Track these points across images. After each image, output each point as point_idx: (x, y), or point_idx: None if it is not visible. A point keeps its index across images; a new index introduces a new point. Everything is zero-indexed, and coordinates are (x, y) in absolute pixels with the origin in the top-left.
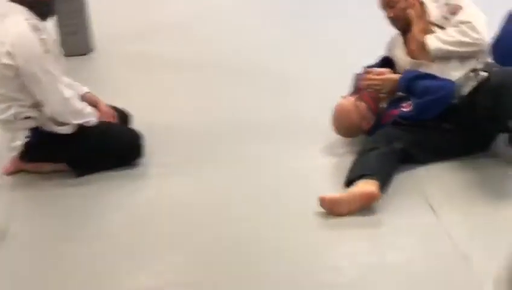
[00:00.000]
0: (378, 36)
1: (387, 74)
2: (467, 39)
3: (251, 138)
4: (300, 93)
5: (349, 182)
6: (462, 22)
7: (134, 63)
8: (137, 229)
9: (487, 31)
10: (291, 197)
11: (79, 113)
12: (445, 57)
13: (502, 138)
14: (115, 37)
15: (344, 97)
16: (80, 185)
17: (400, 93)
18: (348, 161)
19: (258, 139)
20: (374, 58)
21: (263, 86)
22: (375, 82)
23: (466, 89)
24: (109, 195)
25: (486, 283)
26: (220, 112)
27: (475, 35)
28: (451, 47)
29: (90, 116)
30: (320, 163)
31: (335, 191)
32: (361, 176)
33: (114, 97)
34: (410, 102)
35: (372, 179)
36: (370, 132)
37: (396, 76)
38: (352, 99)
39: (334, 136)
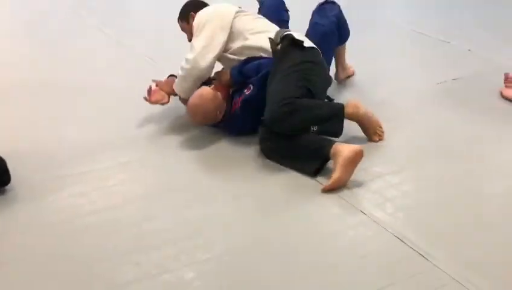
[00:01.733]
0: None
1: None
2: (188, 73)
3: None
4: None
5: (317, 170)
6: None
7: None
8: (31, 254)
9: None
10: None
11: None
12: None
13: None
14: None
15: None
16: None
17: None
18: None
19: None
20: None
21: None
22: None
23: None
24: None
25: (431, 255)
26: (73, 131)
27: (186, 66)
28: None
29: None
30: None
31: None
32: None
33: None
34: (250, 85)
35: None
36: (222, 121)
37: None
38: (209, 89)
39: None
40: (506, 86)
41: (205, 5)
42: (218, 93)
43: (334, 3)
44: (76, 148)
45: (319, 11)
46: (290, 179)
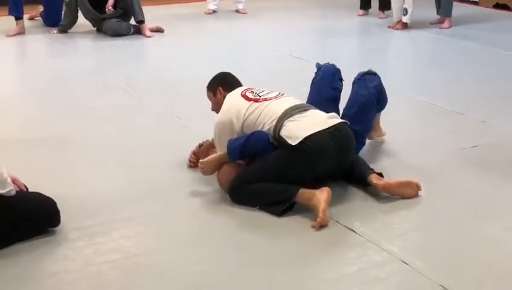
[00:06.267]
0: None
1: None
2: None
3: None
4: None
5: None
6: None
7: None
8: None
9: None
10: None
11: (4, 182)
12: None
13: None
14: None
15: None
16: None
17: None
18: None
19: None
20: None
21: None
22: (201, 168)
23: None
24: (39, 264)
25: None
26: (105, 182)
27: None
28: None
29: (11, 185)
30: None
31: None
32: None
33: None
34: None
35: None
36: None
37: (216, 155)
38: (232, 163)
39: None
40: None
41: (230, 82)
42: (242, 162)
43: (375, 74)
44: (111, 196)
45: (359, 81)
46: (302, 229)
